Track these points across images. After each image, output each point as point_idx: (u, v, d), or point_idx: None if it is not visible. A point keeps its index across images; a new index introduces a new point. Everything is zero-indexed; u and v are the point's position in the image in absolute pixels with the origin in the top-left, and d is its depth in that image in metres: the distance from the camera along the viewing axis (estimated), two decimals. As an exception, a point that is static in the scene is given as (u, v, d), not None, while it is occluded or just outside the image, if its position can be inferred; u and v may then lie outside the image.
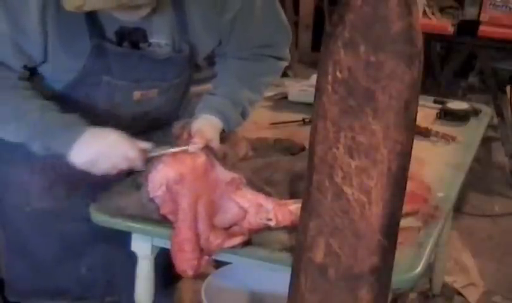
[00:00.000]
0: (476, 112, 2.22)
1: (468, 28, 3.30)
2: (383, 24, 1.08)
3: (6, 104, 1.55)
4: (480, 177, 3.44)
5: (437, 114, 2.19)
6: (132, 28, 1.61)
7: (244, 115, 1.76)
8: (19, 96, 1.57)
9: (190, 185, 1.46)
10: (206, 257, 1.46)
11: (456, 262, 2.71)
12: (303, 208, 1.24)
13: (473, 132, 2.11)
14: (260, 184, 1.57)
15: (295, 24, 4.90)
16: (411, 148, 1.17)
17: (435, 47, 3.89)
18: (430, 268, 2.40)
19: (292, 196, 1.55)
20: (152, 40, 1.65)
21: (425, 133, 2.01)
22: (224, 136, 1.69)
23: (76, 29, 1.56)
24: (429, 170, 1.77)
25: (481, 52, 3.50)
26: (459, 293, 2.56)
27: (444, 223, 1.59)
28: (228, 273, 1.98)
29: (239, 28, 1.73)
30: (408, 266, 1.38)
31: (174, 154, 1.53)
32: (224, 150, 1.65)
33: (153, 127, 1.84)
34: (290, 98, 2.30)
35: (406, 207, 1.30)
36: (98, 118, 1.72)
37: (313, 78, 2.14)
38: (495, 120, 3.35)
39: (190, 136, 1.59)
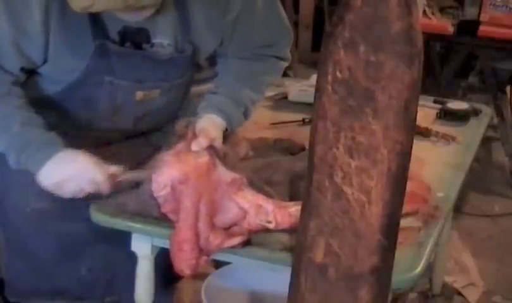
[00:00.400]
0: (476, 112, 2.21)
1: (468, 28, 3.30)
2: (383, 24, 1.08)
3: None
4: (480, 177, 3.43)
5: (437, 114, 2.19)
6: (135, 28, 1.61)
7: (246, 114, 1.76)
8: (10, 105, 1.56)
9: (193, 185, 1.46)
10: (204, 257, 1.46)
11: (456, 262, 2.71)
12: (303, 208, 1.24)
13: (473, 132, 2.11)
14: (260, 184, 1.57)
15: (295, 24, 4.89)
16: (411, 148, 1.17)
17: (435, 47, 3.89)
18: (430, 268, 2.39)
19: (293, 196, 1.55)
20: (154, 40, 1.65)
21: (425, 133, 2.01)
22: (224, 136, 1.69)
23: (79, 30, 1.56)
24: (429, 170, 1.77)
25: (481, 52, 3.49)
26: (459, 293, 2.55)
27: (444, 223, 1.59)
28: (228, 273, 1.98)
29: (241, 28, 1.73)
30: (408, 266, 1.38)
31: (177, 153, 1.53)
32: (224, 150, 1.65)
33: (154, 127, 1.85)
34: (290, 98, 2.30)
35: (406, 207, 1.30)
36: (98, 118, 1.73)
37: (313, 78, 2.14)
38: (495, 120, 3.35)
39: (195, 136, 1.59)
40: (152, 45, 1.65)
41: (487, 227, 3.09)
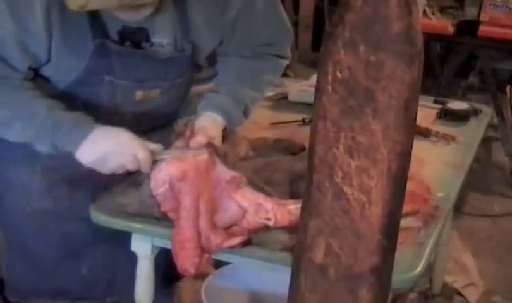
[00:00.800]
0: (476, 112, 2.22)
1: (468, 28, 3.30)
2: (383, 24, 1.08)
3: (11, 103, 1.54)
4: (480, 177, 3.44)
5: (437, 114, 2.19)
6: (135, 27, 1.61)
7: (246, 113, 1.76)
8: (26, 95, 1.56)
9: (192, 183, 1.46)
10: (206, 255, 1.46)
11: (456, 262, 2.71)
12: (303, 208, 1.24)
13: (473, 132, 2.11)
14: (260, 183, 1.57)
15: (295, 24, 4.89)
16: (411, 148, 1.17)
17: (435, 47, 3.89)
18: (430, 268, 2.40)
19: (293, 196, 1.55)
20: (154, 39, 1.65)
21: (425, 133, 2.01)
22: (224, 136, 1.69)
23: (79, 30, 1.56)
24: (429, 170, 1.77)
25: (481, 52, 3.50)
26: (459, 293, 2.56)
27: (444, 223, 1.60)
28: (228, 273, 1.98)
29: (240, 27, 1.73)
30: (408, 266, 1.38)
31: (176, 150, 1.53)
32: (224, 150, 1.65)
33: (154, 127, 1.84)
34: (290, 98, 2.30)
35: (406, 207, 1.30)
36: (99, 118, 1.73)
37: (313, 78, 2.14)
38: (495, 120, 3.35)
39: (193, 133, 1.60)
40: (152, 45, 1.65)
41: (487, 227, 3.09)
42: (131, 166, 1.53)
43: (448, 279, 2.58)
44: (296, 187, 1.58)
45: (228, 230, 1.46)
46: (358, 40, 1.10)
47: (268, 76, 1.85)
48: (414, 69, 1.10)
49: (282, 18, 1.82)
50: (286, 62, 1.87)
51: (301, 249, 1.24)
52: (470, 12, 3.36)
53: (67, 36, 1.56)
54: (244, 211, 1.46)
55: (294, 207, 1.44)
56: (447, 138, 2.01)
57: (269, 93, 2.18)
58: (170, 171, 1.48)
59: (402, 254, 1.36)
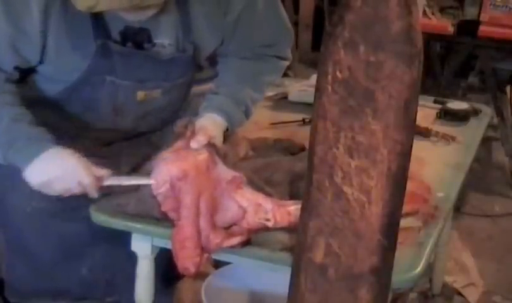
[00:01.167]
0: (476, 112, 2.22)
1: (468, 28, 3.30)
2: (383, 24, 1.08)
3: None
4: (480, 177, 3.43)
5: (437, 114, 2.19)
6: (137, 28, 1.62)
7: (247, 114, 1.77)
8: (1, 101, 1.55)
9: (193, 182, 1.46)
10: (206, 255, 1.46)
11: (456, 262, 2.71)
12: (303, 208, 1.24)
13: (473, 132, 2.11)
14: (260, 184, 1.57)
15: (295, 24, 4.88)
16: (411, 148, 1.17)
17: (435, 47, 3.89)
18: (430, 268, 2.39)
19: (293, 196, 1.55)
20: (156, 40, 1.65)
21: (425, 133, 2.01)
22: (225, 136, 1.69)
23: (81, 30, 1.56)
24: (429, 170, 1.77)
25: (481, 52, 3.49)
26: (459, 293, 2.55)
27: (444, 223, 1.60)
28: (228, 273, 1.98)
29: (241, 28, 1.74)
30: (408, 266, 1.38)
31: (176, 150, 1.53)
32: (224, 150, 1.65)
33: (154, 127, 1.85)
34: (290, 98, 2.30)
35: (406, 207, 1.30)
36: (99, 118, 1.73)
37: (313, 78, 2.14)
38: (495, 120, 3.35)
39: (193, 134, 1.60)
40: (153, 45, 1.66)
41: (487, 227, 3.09)
42: (76, 191, 1.51)
43: (448, 279, 2.58)
44: (296, 187, 1.58)
45: (228, 229, 1.46)
46: (358, 40, 1.10)
47: (269, 77, 1.85)
48: (414, 69, 1.11)
49: (282, 20, 1.82)
50: (286, 63, 1.88)
51: (301, 249, 1.24)
52: (470, 12, 3.36)
53: (68, 37, 1.56)
54: (244, 211, 1.46)
55: (293, 208, 1.44)
56: (447, 138, 2.01)
57: (269, 93, 2.18)
58: (171, 171, 1.48)
59: (402, 254, 1.36)
